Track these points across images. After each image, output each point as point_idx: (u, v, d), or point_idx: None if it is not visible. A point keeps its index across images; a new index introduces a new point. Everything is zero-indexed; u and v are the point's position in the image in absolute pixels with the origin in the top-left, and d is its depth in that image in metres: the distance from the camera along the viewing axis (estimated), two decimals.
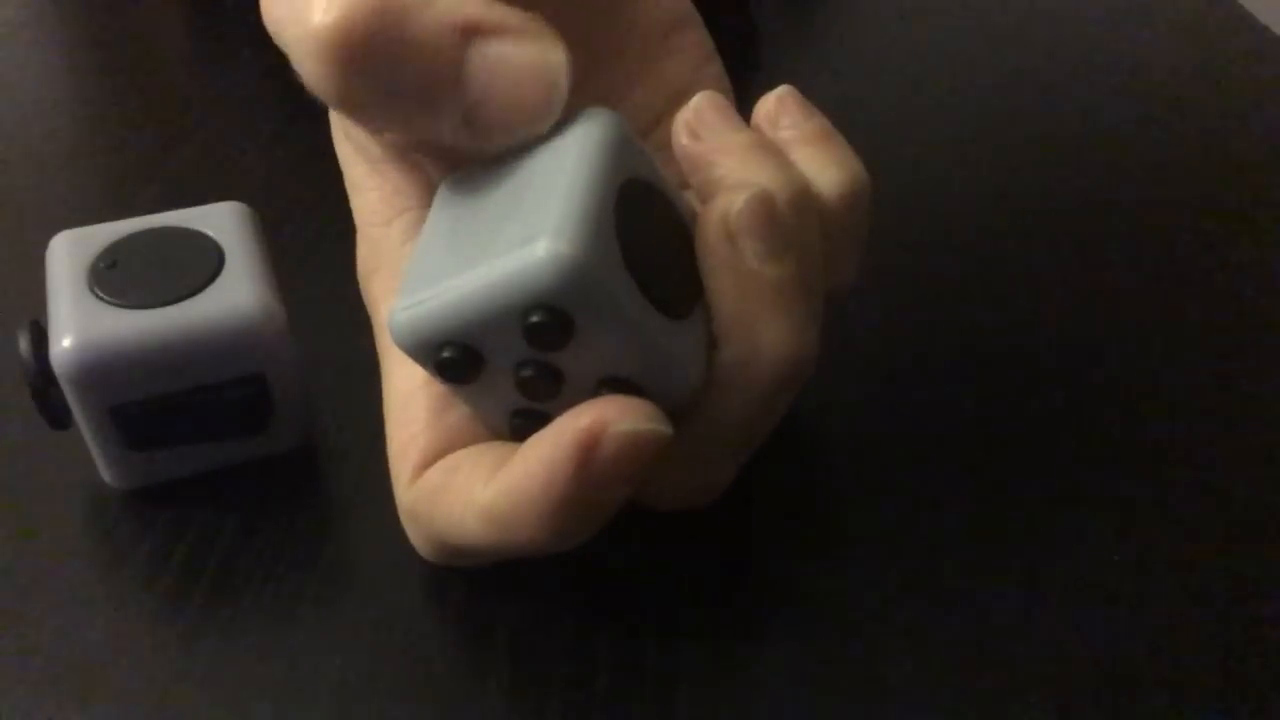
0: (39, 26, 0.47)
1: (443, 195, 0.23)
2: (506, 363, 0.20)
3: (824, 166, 0.24)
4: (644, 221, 0.21)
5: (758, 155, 0.23)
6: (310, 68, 0.19)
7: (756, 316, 0.21)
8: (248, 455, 0.27)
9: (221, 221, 0.27)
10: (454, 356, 0.20)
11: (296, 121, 0.41)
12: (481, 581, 0.25)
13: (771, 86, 0.25)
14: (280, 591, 0.25)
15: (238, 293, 0.25)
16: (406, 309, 0.20)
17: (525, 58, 0.19)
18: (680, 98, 0.26)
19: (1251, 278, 0.35)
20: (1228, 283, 0.34)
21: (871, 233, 0.26)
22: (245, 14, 0.47)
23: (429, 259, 0.21)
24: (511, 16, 0.19)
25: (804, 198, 0.23)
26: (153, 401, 0.25)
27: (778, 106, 0.25)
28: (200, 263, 0.26)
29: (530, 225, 0.19)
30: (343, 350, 0.30)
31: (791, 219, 0.22)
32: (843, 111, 0.26)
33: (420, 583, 0.25)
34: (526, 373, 0.20)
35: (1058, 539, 0.26)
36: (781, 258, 0.21)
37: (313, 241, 0.35)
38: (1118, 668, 0.24)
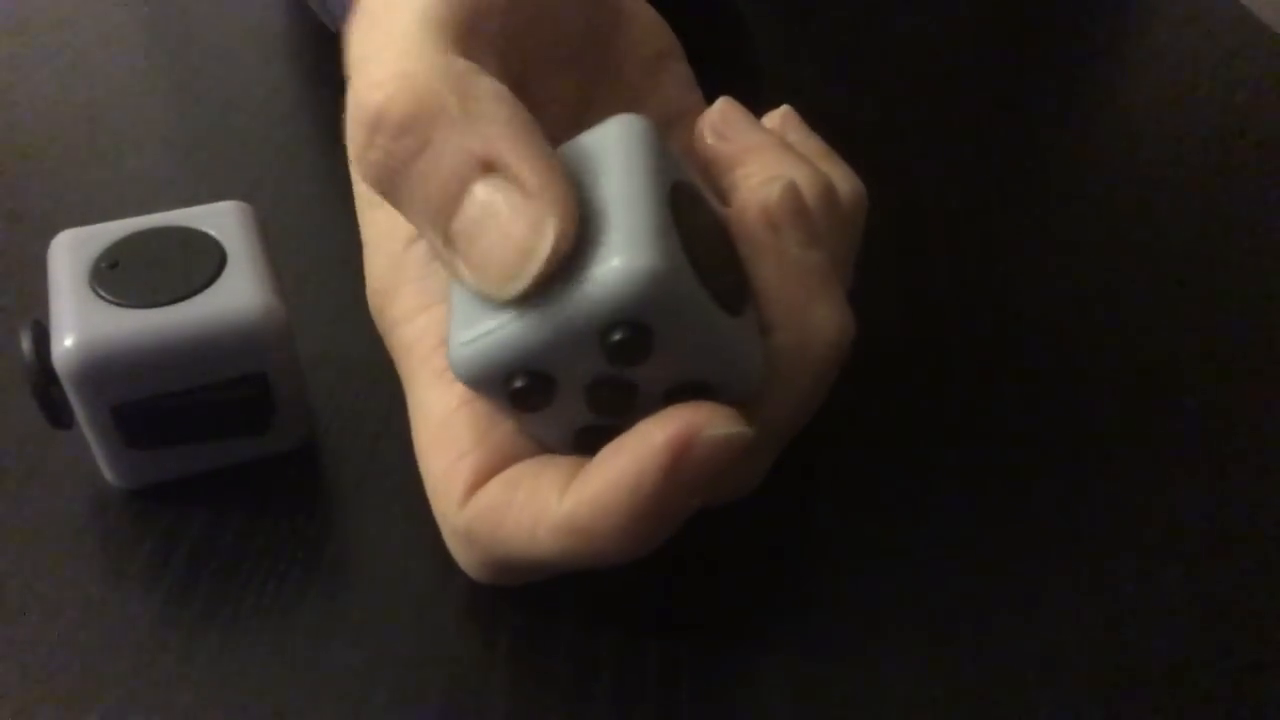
0: (37, 28, 0.47)
1: None
2: (579, 383, 0.20)
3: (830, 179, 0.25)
4: (694, 222, 0.21)
5: (784, 154, 0.24)
6: (349, 126, 0.20)
7: (805, 301, 0.22)
8: (249, 455, 0.27)
9: (223, 221, 0.27)
10: (527, 385, 0.20)
11: (297, 121, 0.41)
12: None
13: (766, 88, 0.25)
14: (281, 591, 0.25)
15: (239, 292, 0.25)
16: (469, 343, 0.20)
17: (517, 222, 0.19)
18: (669, 124, 0.27)
19: (1253, 277, 0.35)
20: (1229, 281, 0.34)
21: (867, 231, 0.26)
22: (245, 15, 0.47)
23: None
24: (533, 173, 0.19)
25: (830, 192, 0.24)
26: (154, 401, 0.25)
27: (782, 123, 0.26)
28: (202, 262, 0.26)
29: (599, 243, 0.19)
30: (343, 350, 0.30)
31: (819, 210, 0.23)
32: (838, 112, 0.26)
33: (421, 583, 0.25)
34: (601, 391, 0.20)
35: (1057, 540, 0.26)
36: (820, 242, 0.23)
37: (313, 241, 0.35)
38: (1118, 668, 0.24)
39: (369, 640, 0.24)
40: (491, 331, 0.20)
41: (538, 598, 0.25)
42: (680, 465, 0.20)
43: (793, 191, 0.22)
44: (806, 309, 0.22)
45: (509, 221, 0.19)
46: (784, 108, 0.27)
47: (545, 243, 0.19)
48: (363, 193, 0.25)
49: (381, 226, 0.25)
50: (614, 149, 0.20)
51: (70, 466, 0.27)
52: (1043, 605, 0.25)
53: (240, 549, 0.26)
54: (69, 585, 0.25)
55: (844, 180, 0.25)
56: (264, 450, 0.27)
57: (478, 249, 0.19)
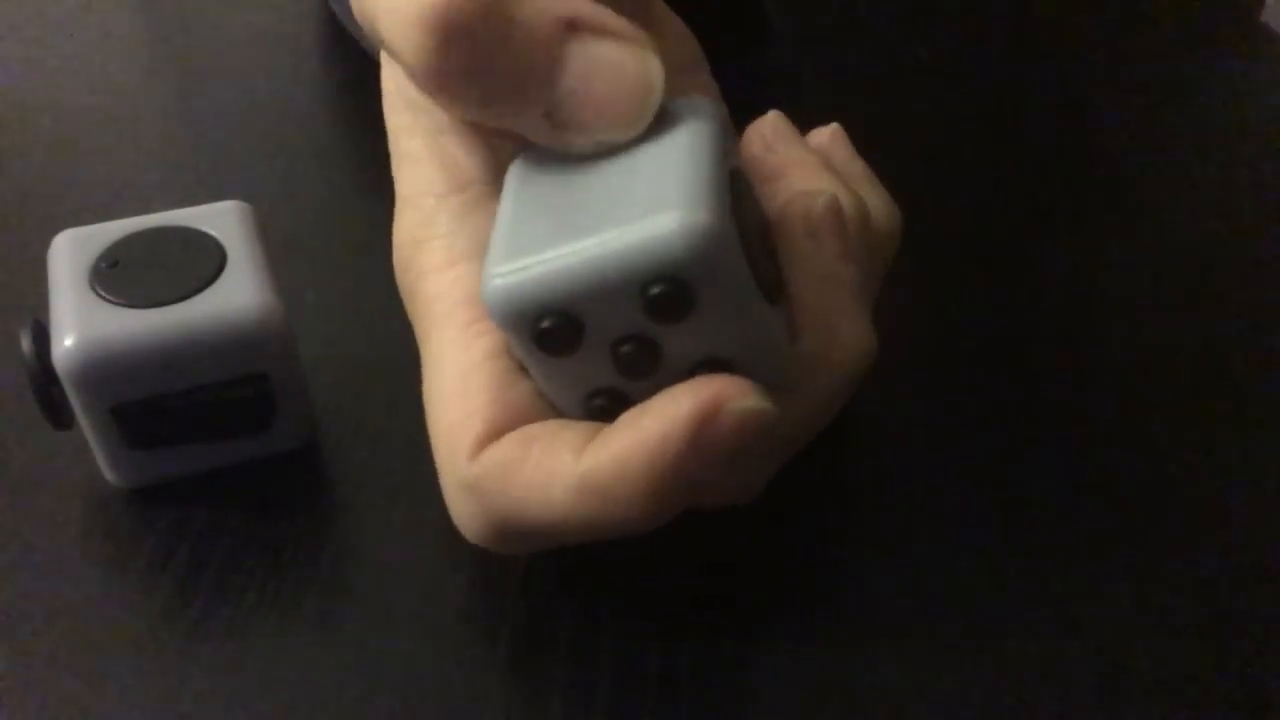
0: (38, 29, 0.47)
1: (524, 167, 0.22)
2: (606, 337, 0.20)
3: (869, 203, 0.25)
4: (746, 209, 0.21)
5: (825, 173, 0.25)
6: (409, 36, 0.20)
7: (834, 313, 0.23)
8: (250, 454, 0.27)
9: (223, 221, 0.27)
10: (555, 326, 0.20)
11: (297, 121, 0.41)
12: (482, 581, 0.25)
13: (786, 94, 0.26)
14: (281, 591, 0.25)
15: (239, 292, 0.25)
16: (505, 275, 0.20)
17: (626, 61, 0.20)
18: None
19: (1255, 278, 0.35)
20: (1231, 282, 0.34)
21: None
22: (246, 17, 0.47)
23: (522, 228, 0.20)
24: (615, 20, 0.20)
25: (865, 216, 0.24)
26: (154, 401, 0.25)
27: (830, 142, 0.27)
28: (202, 262, 0.26)
29: (655, 196, 0.19)
30: (343, 350, 0.30)
31: (854, 230, 0.24)
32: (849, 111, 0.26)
33: (421, 583, 0.25)
34: (627, 348, 0.20)
35: (1057, 539, 0.26)
36: (855, 258, 0.23)
37: (313, 241, 0.35)
38: (1118, 667, 0.24)
39: (369, 640, 0.24)
40: (530, 266, 0.20)
41: (538, 597, 0.25)
42: (705, 434, 0.19)
43: (835, 205, 0.23)
44: (835, 321, 0.23)
45: (619, 63, 0.20)
46: (834, 125, 0.28)
47: (656, 74, 0.20)
48: (398, 148, 0.25)
49: (415, 181, 0.24)
50: (685, 120, 0.21)
51: (70, 466, 0.27)
52: (1043, 605, 0.25)
53: (240, 549, 0.26)
54: (69, 585, 0.25)
55: (881, 205, 0.26)
56: (264, 450, 0.27)
57: (595, 98, 0.20)
